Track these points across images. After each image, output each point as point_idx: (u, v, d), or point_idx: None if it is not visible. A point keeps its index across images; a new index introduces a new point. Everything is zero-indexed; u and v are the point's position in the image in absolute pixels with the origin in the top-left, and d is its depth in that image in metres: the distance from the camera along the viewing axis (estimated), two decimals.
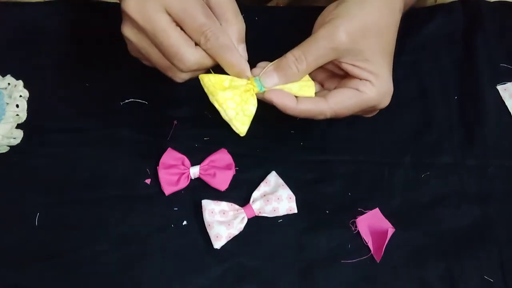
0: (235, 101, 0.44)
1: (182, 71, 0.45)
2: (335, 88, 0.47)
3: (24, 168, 0.54)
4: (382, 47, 0.46)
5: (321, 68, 0.46)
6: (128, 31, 0.45)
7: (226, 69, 0.45)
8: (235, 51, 0.44)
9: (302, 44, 0.45)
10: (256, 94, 0.46)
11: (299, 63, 0.45)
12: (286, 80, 0.45)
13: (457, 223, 0.53)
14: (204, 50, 0.44)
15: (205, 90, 0.45)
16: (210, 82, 0.44)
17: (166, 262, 0.51)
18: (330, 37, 0.44)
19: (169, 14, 0.43)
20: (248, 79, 0.45)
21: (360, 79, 0.45)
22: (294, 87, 0.46)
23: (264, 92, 0.45)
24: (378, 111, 0.49)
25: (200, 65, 0.44)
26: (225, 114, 0.44)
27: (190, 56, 0.43)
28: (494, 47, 0.61)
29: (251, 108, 0.45)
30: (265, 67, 0.46)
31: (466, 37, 0.61)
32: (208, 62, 0.44)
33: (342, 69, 0.46)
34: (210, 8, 0.45)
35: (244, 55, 0.46)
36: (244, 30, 0.46)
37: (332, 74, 0.49)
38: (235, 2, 0.46)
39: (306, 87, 0.46)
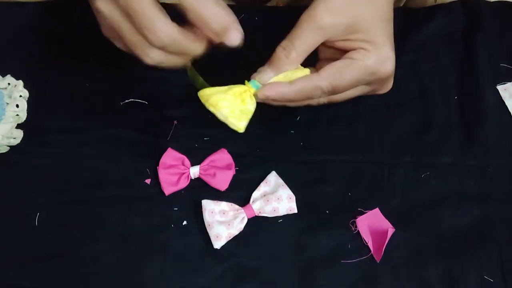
0: (227, 99, 0.44)
1: (153, 44, 0.42)
2: None
3: (24, 168, 0.54)
4: (374, 14, 0.45)
5: (322, 58, 0.47)
6: (101, 4, 0.43)
7: (207, 29, 0.42)
8: (212, 4, 0.41)
9: (288, 34, 0.46)
10: (256, 95, 0.46)
11: (288, 52, 0.45)
12: (280, 71, 0.46)
13: (457, 223, 0.53)
14: (180, 3, 0.41)
15: (204, 102, 0.45)
16: (206, 92, 0.45)
17: (166, 262, 0.51)
18: (312, 18, 0.44)
19: None
20: (245, 83, 0.46)
21: (354, 49, 0.45)
22: (289, 75, 0.46)
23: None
24: (388, 84, 0.48)
25: (174, 41, 0.42)
26: (220, 114, 0.45)
27: (163, 25, 0.41)
28: (494, 47, 0.61)
29: (250, 107, 0.45)
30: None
31: (466, 37, 0.61)
32: (182, 40, 0.42)
33: (341, 52, 0.46)
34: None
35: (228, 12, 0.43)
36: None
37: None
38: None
39: (300, 71, 0.47)
